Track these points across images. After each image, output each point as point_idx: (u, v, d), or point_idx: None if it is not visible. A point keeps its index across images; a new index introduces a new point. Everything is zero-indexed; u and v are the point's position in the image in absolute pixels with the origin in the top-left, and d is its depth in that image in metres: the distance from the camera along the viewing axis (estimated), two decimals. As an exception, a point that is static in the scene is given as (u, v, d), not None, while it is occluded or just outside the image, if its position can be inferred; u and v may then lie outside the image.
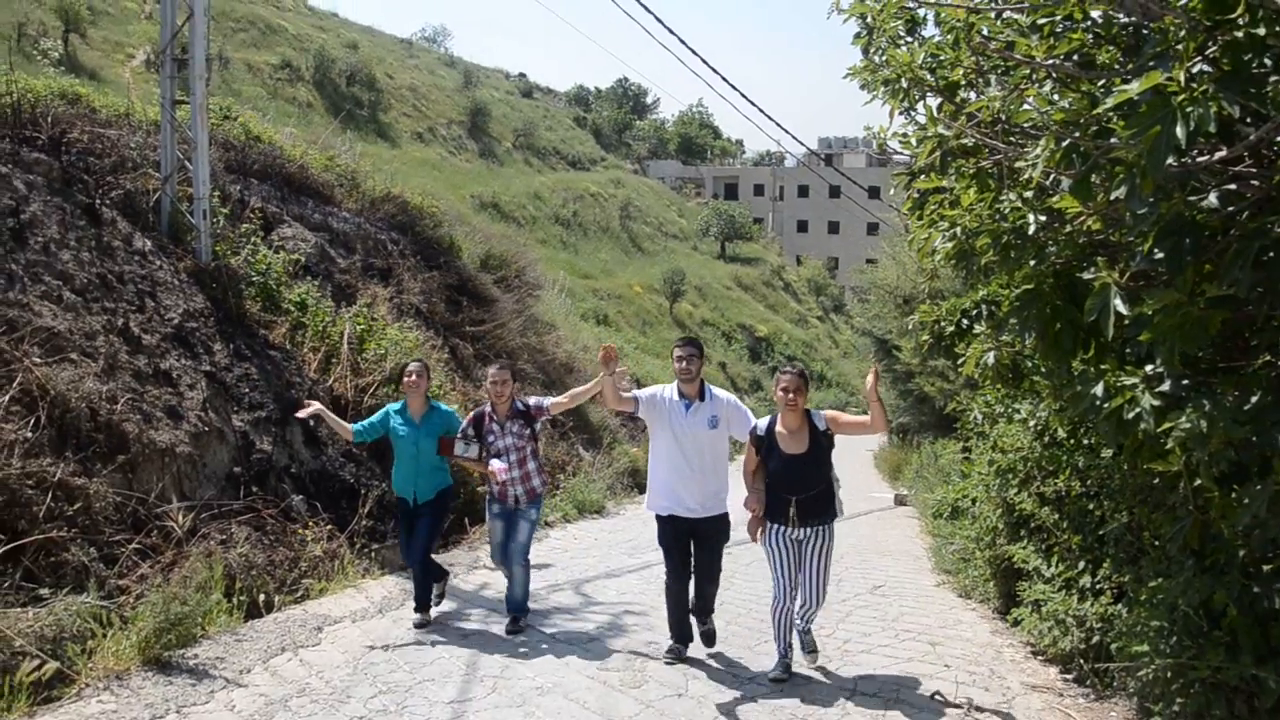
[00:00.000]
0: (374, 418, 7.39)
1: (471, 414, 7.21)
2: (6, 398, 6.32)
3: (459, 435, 7.07)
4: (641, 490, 16.85)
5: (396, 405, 7.36)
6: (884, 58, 5.00)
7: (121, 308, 8.05)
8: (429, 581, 7.39)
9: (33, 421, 6.40)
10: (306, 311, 10.33)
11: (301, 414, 7.27)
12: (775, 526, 6.09)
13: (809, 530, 6.05)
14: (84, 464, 6.61)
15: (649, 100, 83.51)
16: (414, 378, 7.22)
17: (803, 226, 71.90)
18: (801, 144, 29.18)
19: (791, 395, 5.96)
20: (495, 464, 6.90)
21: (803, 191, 70.33)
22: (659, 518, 6.54)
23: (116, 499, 6.68)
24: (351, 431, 7.32)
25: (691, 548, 6.51)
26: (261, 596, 7.18)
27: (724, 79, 15.97)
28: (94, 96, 12.02)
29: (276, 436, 8.66)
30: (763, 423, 6.23)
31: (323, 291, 11.24)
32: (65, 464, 6.41)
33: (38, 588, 5.79)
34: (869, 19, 5.14)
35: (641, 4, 12.64)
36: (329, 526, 8.34)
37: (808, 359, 45.31)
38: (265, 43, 40.25)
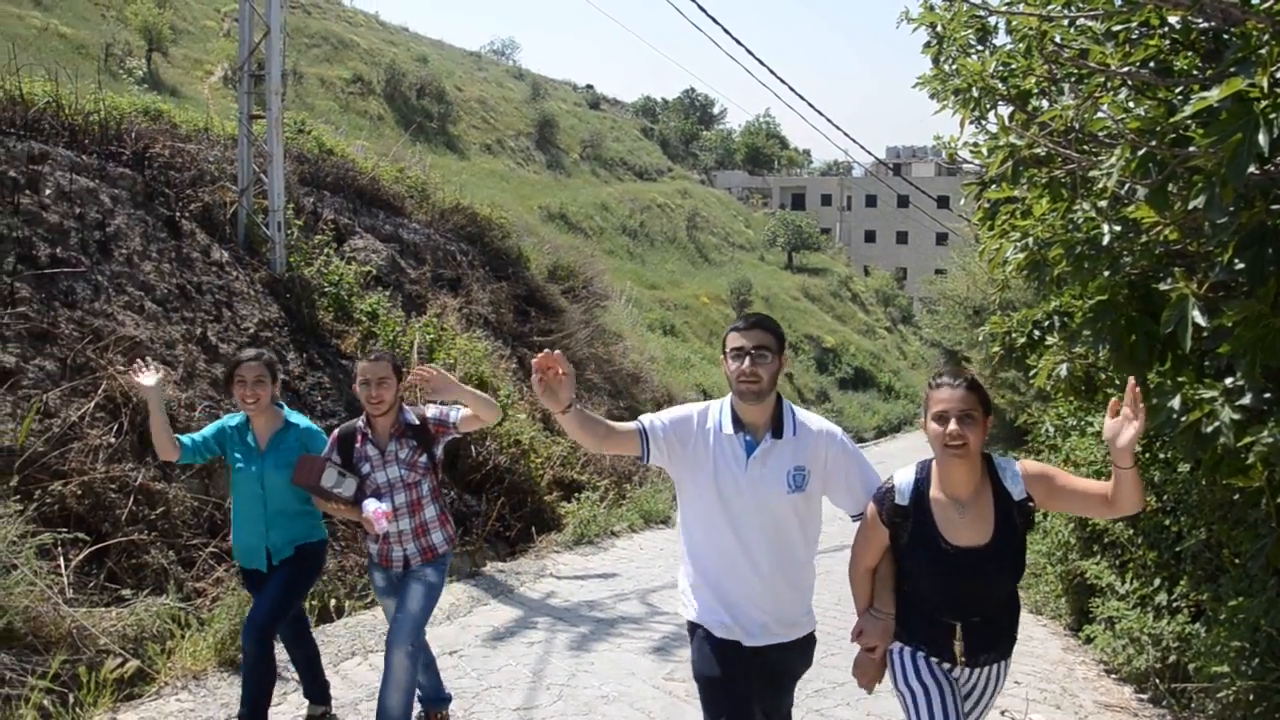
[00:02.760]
0: (205, 431, 5.00)
1: (336, 432, 4.89)
2: (92, 404, 6.52)
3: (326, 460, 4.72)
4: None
5: (235, 419, 4.98)
6: (954, 67, 4.96)
7: (200, 317, 8.26)
8: (306, 661, 5.38)
9: (116, 427, 6.60)
10: (377, 321, 10.49)
11: (138, 378, 4.82)
12: (917, 653, 3.43)
13: (981, 675, 3.46)
14: (163, 469, 6.78)
15: (716, 111, 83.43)
16: (247, 386, 4.76)
17: (870, 237, 71.29)
18: (869, 153, 29.04)
19: (957, 428, 3.18)
20: (371, 507, 4.56)
21: (870, 201, 69.77)
22: (704, 635, 3.54)
23: (194, 504, 6.84)
24: (177, 448, 4.87)
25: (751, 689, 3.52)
26: (332, 601, 7.29)
27: (791, 89, 15.94)
28: (175, 112, 12.37)
29: (348, 444, 8.79)
30: (903, 482, 3.38)
31: (393, 301, 11.41)
32: (146, 469, 6.59)
33: (120, 589, 5.95)
34: (939, 28, 5.11)
35: (709, 15, 12.67)
36: (399, 533, 8.43)
37: (875, 370, 44.90)
38: (338, 57, 40.98)
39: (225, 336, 8.37)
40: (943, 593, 3.32)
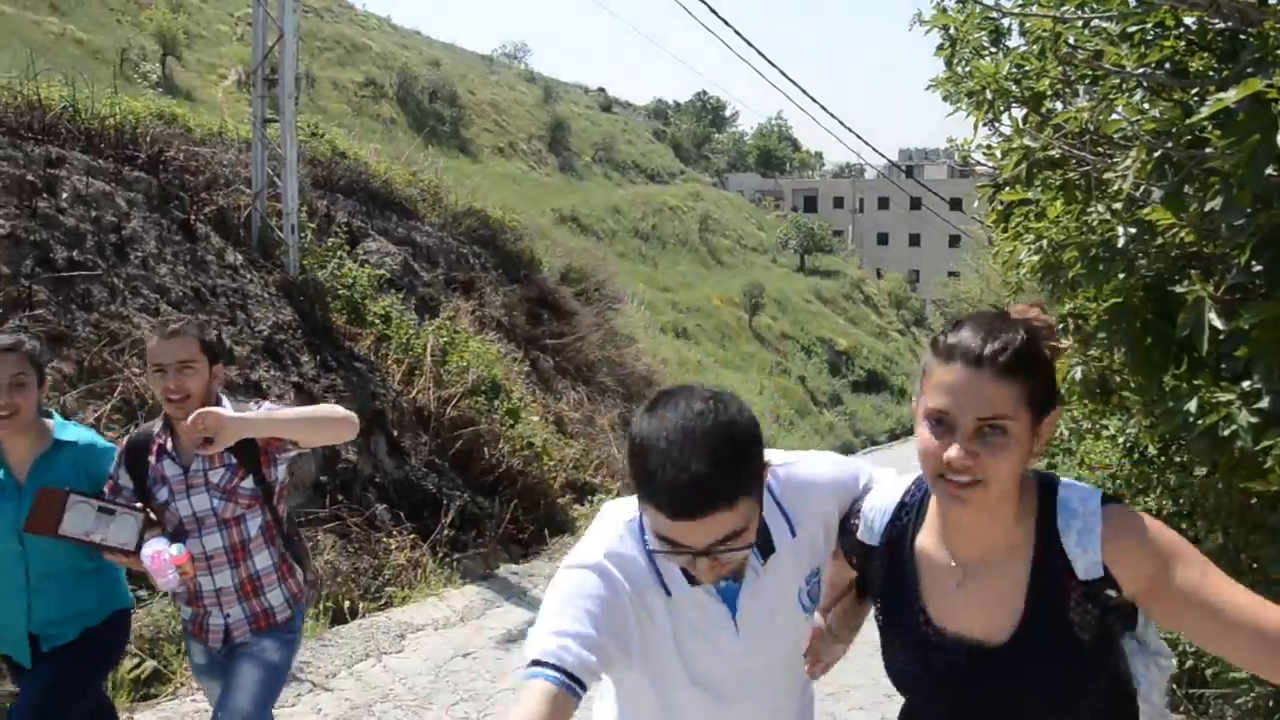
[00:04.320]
0: None
1: (124, 443, 3.51)
2: (108, 406, 6.55)
3: (95, 495, 3.30)
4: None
5: None
6: (967, 69, 4.95)
7: (215, 319, 8.29)
8: None
9: (130, 429, 6.63)
10: (391, 324, 10.53)
11: None
12: None
13: None
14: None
15: (728, 113, 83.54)
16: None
17: (883, 239, 71.20)
18: (882, 155, 29.03)
19: (961, 455, 1.65)
20: (152, 549, 3.16)
21: (883, 204, 69.69)
22: None
23: (209, 505, 6.87)
24: None
25: None
26: (346, 603, 7.31)
27: (803, 91, 15.97)
28: (189, 116, 12.47)
29: (361, 447, 8.82)
30: (879, 505, 1.99)
31: (406, 304, 11.44)
32: (161, 471, 6.61)
33: (137, 589, 5.98)
34: (952, 30, 5.10)
35: (720, 16, 12.68)
36: (412, 536, 8.47)
37: (888, 373, 44.83)
38: (350, 61, 41.13)
39: (239, 339, 8.41)
40: (929, 707, 1.96)
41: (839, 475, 2.10)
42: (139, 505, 3.30)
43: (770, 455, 1.88)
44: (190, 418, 3.04)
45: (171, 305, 7.97)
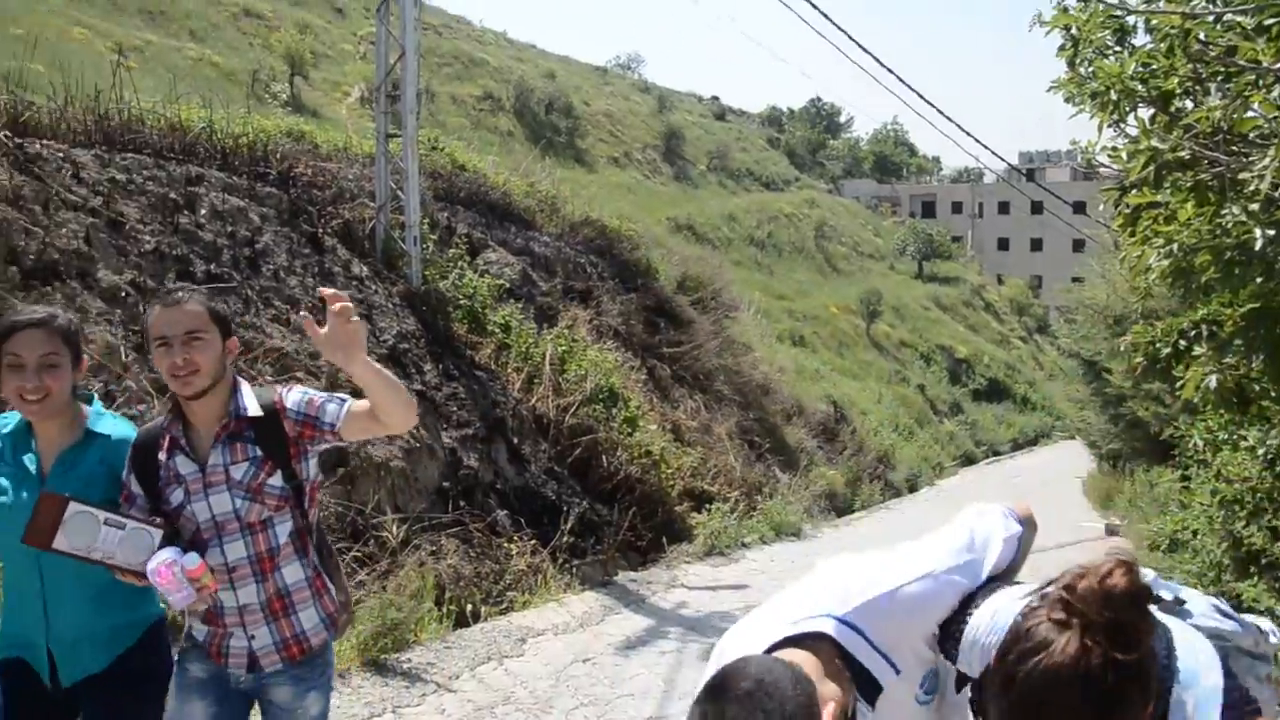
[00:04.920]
0: None
1: (135, 443, 2.95)
2: (243, 413, 6.82)
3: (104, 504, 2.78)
4: (840, 513, 16.70)
5: (9, 420, 3.00)
6: (1091, 69, 4.81)
7: (343, 330, 8.56)
8: None
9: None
10: (510, 333, 10.71)
11: None
12: None
13: None
14: (309, 476, 7.04)
15: (842, 119, 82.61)
16: (27, 374, 2.78)
17: (1003, 244, 69.42)
18: (1001, 159, 28.34)
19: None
20: (160, 560, 2.67)
21: (1003, 208, 67.99)
22: None
23: (338, 509, 7.09)
24: None
25: None
26: (469, 607, 7.45)
27: (919, 95, 15.69)
28: (316, 133, 12.91)
29: (483, 453, 8.99)
30: (978, 645, 1.80)
31: (525, 313, 11.61)
32: (293, 475, 6.85)
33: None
34: (1074, 30, 4.96)
35: (834, 23, 12.57)
36: (532, 541, 8.59)
37: (1010, 381, 43.64)
38: (468, 75, 41.97)
39: (366, 348, 8.66)
40: None
41: (931, 593, 1.90)
42: (157, 520, 2.79)
43: (847, 593, 1.86)
44: (338, 304, 2.65)
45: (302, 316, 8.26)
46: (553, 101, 44.49)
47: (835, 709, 1.59)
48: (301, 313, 2.93)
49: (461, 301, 10.47)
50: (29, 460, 2.92)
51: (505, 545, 8.33)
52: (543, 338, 11.16)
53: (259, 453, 2.85)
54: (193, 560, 2.68)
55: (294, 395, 2.91)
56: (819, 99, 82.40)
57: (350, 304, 2.69)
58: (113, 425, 3.03)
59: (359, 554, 6.94)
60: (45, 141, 7.50)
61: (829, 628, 1.81)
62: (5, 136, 6.95)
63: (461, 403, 9.20)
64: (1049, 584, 1.47)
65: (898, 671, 1.86)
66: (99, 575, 2.78)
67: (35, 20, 17.90)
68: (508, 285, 11.85)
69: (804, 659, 1.74)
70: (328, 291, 2.71)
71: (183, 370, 2.74)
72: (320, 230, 9.51)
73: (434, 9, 46.58)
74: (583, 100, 48.61)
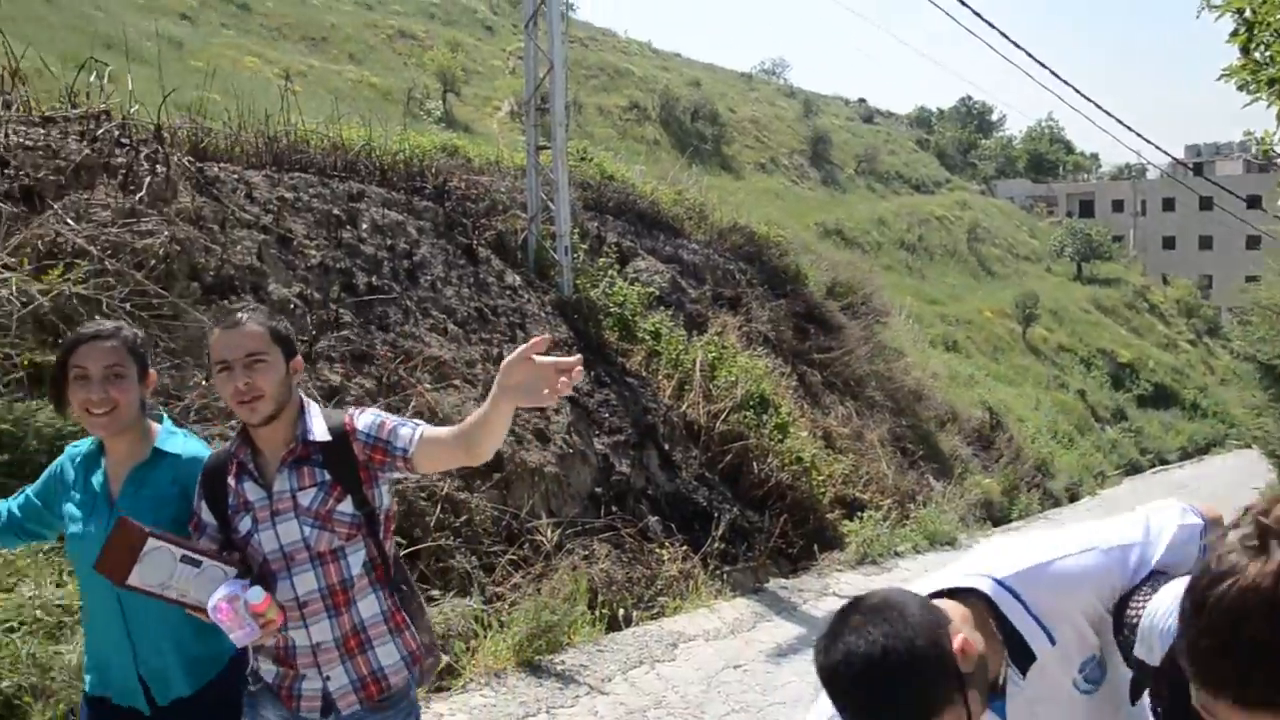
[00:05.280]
0: (35, 486, 2.96)
1: (204, 468, 2.80)
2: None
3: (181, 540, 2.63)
4: (996, 522, 16.19)
5: (82, 446, 2.93)
6: (1268, 54, 4.54)
7: (496, 338, 8.77)
8: None
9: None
10: (660, 340, 10.78)
11: None
12: None
13: None
14: (466, 480, 7.23)
15: (994, 117, 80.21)
16: (92, 385, 2.68)
17: (1169, 243, 66.09)
18: (1165, 153, 27.04)
19: None
20: (219, 596, 2.51)
21: (1168, 205, 64.75)
22: None
23: (494, 513, 7.25)
24: None
25: None
26: (620, 611, 7.50)
27: (1075, 90, 15.10)
28: (469, 148, 13.28)
29: (634, 459, 9.06)
30: (1156, 629, 1.67)
31: (675, 321, 11.67)
32: (451, 479, 7.04)
33: (430, 589, 6.38)
34: (1248, 13, 4.69)
35: (984, 19, 12.23)
36: (683, 547, 8.61)
37: (1178, 386, 41.49)
38: (614, 86, 42.46)
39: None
40: None
41: (1094, 566, 1.83)
42: (232, 556, 2.67)
43: (1008, 561, 1.83)
44: (574, 370, 2.39)
45: (457, 325, 8.49)
46: (698, 109, 44.60)
47: (966, 643, 1.59)
48: (543, 334, 2.58)
49: (612, 309, 10.60)
50: (97, 482, 2.81)
51: (657, 551, 8.36)
52: (693, 344, 11.19)
53: (327, 477, 2.66)
54: (256, 594, 2.50)
55: (365, 418, 2.70)
56: (969, 98, 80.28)
57: (579, 368, 2.43)
58: (183, 444, 2.90)
59: (514, 557, 7.07)
60: (222, 164, 7.95)
61: (985, 586, 1.78)
62: (189, 162, 7.37)
63: (613, 409, 9.30)
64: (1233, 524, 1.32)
65: (1053, 642, 1.79)
66: (175, 609, 2.63)
67: (211, 53, 18.99)
68: (657, 293, 11.94)
69: (952, 607, 1.74)
70: (569, 360, 2.42)
71: (246, 396, 2.58)
72: (475, 242, 9.77)
73: (580, 23, 47.43)
74: (728, 107, 48.56)
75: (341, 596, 2.67)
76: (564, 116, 10.53)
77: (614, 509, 8.42)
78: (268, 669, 2.76)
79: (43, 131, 6.74)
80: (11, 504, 2.94)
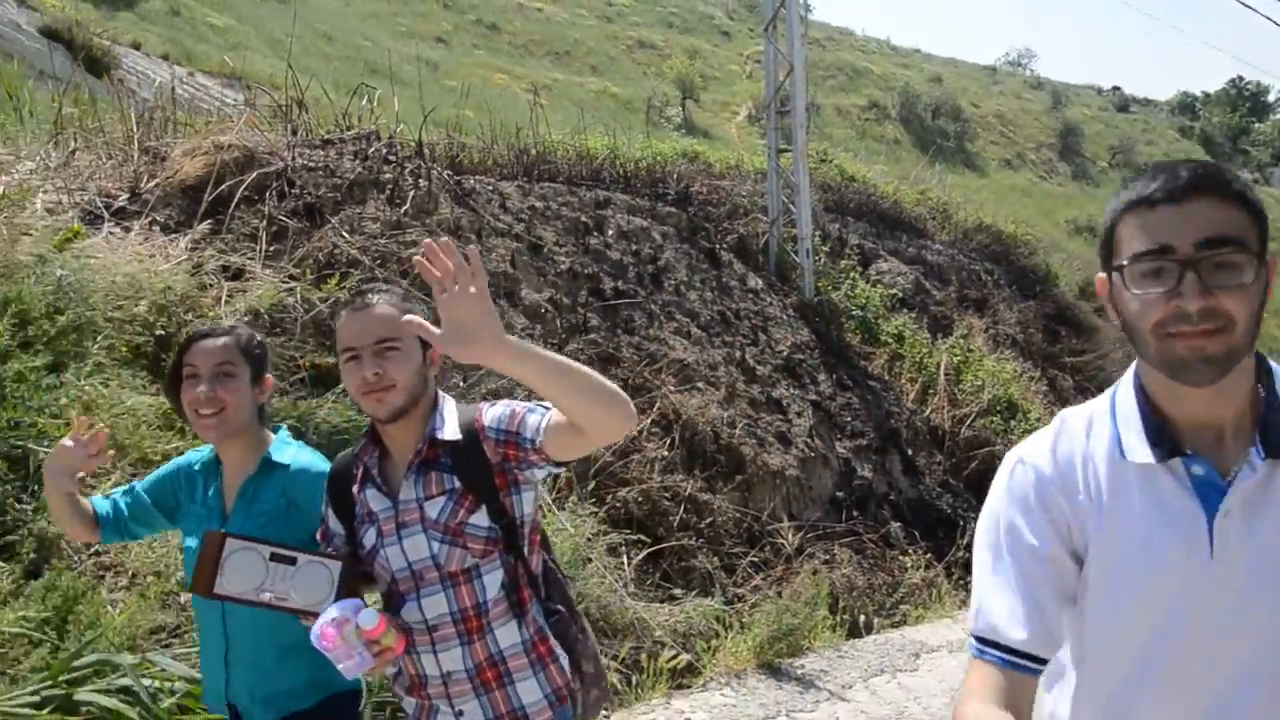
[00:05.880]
0: (143, 484, 2.81)
1: (330, 473, 2.51)
2: (648, 421, 7.23)
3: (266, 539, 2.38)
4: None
5: (202, 453, 2.75)
6: None
7: (738, 341, 8.85)
8: None
9: (669, 441, 7.26)
10: (904, 343, 10.61)
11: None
12: None
13: None
14: (709, 481, 7.33)
15: (1271, 98, 73.78)
16: (201, 384, 2.52)
17: None
18: None
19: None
20: (327, 618, 2.14)
21: None
22: None
23: (735, 514, 7.32)
24: (92, 526, 2.75)
25: None
26: (861, 617, 7.40)
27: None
28: (708, 153, 13.46)
29: (876, 464, 8.94)
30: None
31: (919, 323, 11.45)
32: (694, 480, 7.16)
33: (672, 588, 6.52)
34: None
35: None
36: (926, 555, 8.41)
37: None
38: (852, 86, 41.91)
39: (761, 359, 8.89)
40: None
41: None
42: (332, 551, 2.40)
43: None
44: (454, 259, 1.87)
45: (700, 328, 8.63)
46: (939, 106, 43.39)
47: None
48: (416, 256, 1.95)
49: (854, 312, 10.52)
50: (212, 494, 2.65)
51: (899, 557, 8.21)
52: (937, 347, 10.94)
53: (457, 484, 2.28)
54: (369, 618, 2.13)
55: (495, 410, 2.28)
56: (1240, 78, 74.18)
57: (473, 253, 1.88)
58: (294, 454, 2.65)
59: (755, 559, 7.12)
60: (478, 177, 8.40)
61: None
62: (448, 175, 7.83)
63: (855, 413, 9.20)
64: None
65: None
66: (285, 633, 2.44)
67: (464, 71, 20.10)
68: (900, 295, 11.76)
69: None
70: (435, 242, 1.90)
71: (374, 386, 2.25)
72: (717, 245, 9.91)
73: (818, 23, 47.10)
74: (971, 102, 46.99)
75: (475, 622, 2.30)
76: (804, 118, 10.53)
77: (855, 514, 8.34)
78: (407, 700, 2.46)
79: (322, 153, 7.33)
80: (120, 499, 2.80)
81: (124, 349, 5.16)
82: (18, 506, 4.00)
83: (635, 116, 22.67)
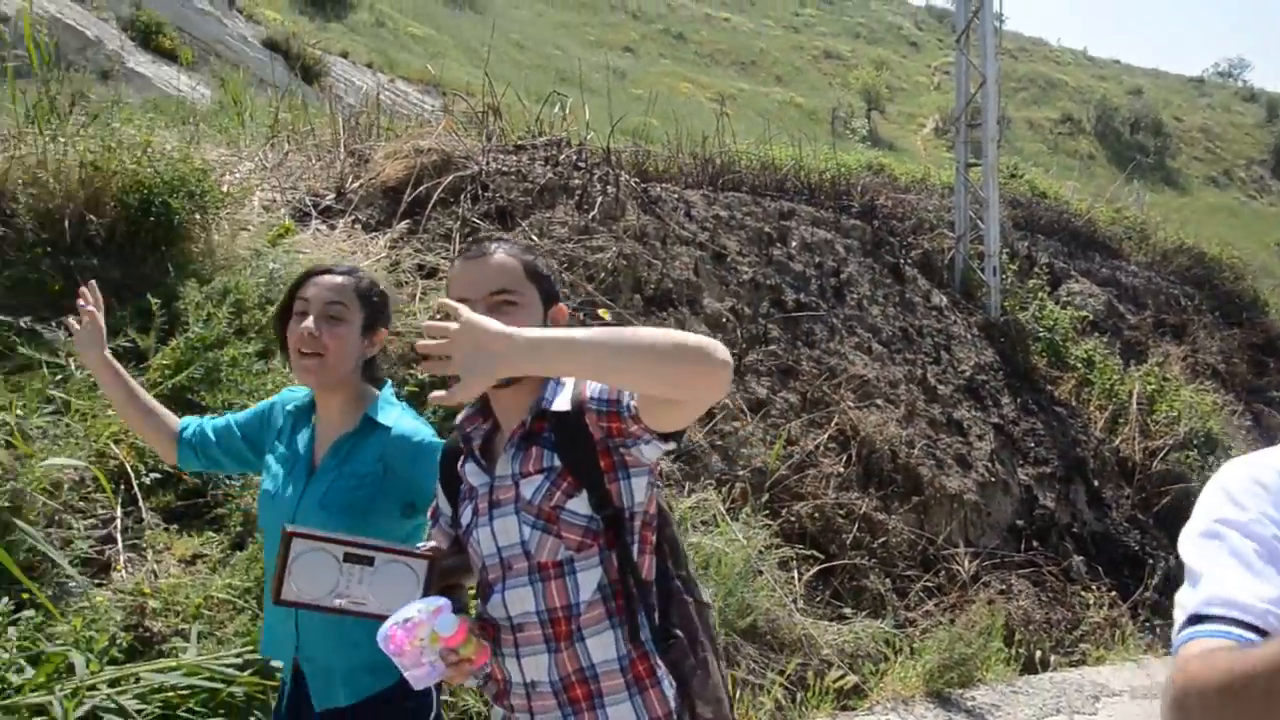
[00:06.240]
0: (236, 417, 2.61)
1: (445, 448, 2.25)
2: (825, 436, 7.16)
3: (341, 538, 2.10)
4: None
5: (297, 393, 2.59)
6: None
7: (920, 359, 8.68)
8: None
9: (845, 458, 7.17)
10: (1093, 368, 10.21)
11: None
12: None
13: None
14: (884, 501, 7.21)
15: None
16: (309, 321, 2.33)
17: None
18: None
19: None
20: (399, 619, 1.89)
21: None
22: None
23: (910, 536, 7.17)
24: (168, 437, 2.58)
25: None
26: (1037, 653, 7.14)
27: None
28: (894, 165, 13.26)
29: (1059, 494, 8.61)
30: None
31: (1110, 348, 11.01)
32: (869, 499, 7.05)
33: (842, 606, 6.43)
34: None
35: None
36: (1110, 593, 8.04)
37: None
38: (1045, 99, 40.51)
39: (943, 378, 8.69)
40: None
41: None
42: (421, 548, 2.15)
43: None
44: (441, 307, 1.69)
45: (881, 344, 8.50)
46: (1139, 120, 41.42)
47: None
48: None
49: (1041, 334, 10.18)
50: (302, 442, 2.44)
51: (1081, 593, 7.88)
52: (1129, 374, 10.49)
53: (557, 463, 1.96)
54: (448, 623, 1.86)
55: (596, 382, 1.95)
56: None
57: (452, 308, 1.67)
58: (398, 417, 2.42)
59: (928, 583, 6.96)
60: (664, 185, 8.49)
61: None
62: (635, 183, 7.96)
63: (1039, 439, 8.89)
64: None
65: None
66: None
67: (650, 80, 20.40)
68: (1091, 317, 11.33)
69: None
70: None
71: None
72: (901, 260, 9.75)
73: (1010, 33, 45.70)
74: (1174, 116, 44.67)
75: (564, 626, 1.96)
76: (995, 132, 10.27)
77: (1035, 544, 8.05)
78: (495, 712, 2.15)
79: (515, 158, 7.55)
80: (210, 422, 2.59)
81: (326, 339, 5.44)
82: (228, 482, 4.26)
83: (820, 127, 22.50)
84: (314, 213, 6.45)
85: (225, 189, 5.87)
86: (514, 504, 1.98)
